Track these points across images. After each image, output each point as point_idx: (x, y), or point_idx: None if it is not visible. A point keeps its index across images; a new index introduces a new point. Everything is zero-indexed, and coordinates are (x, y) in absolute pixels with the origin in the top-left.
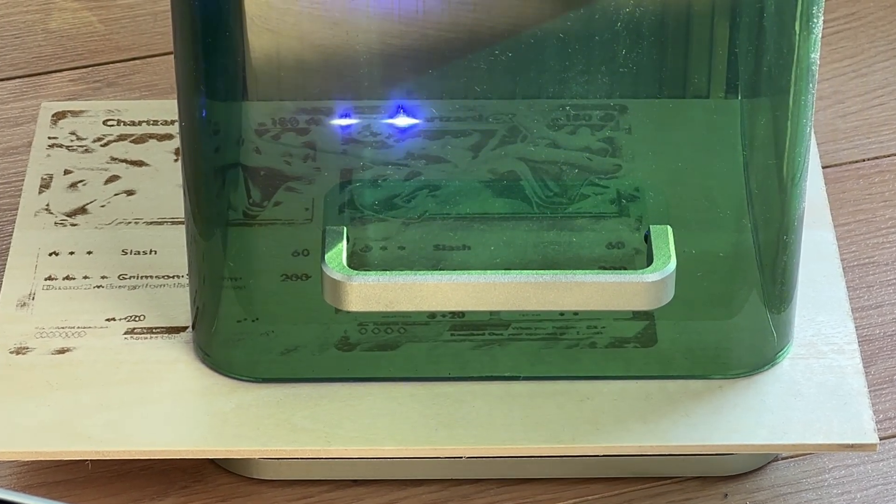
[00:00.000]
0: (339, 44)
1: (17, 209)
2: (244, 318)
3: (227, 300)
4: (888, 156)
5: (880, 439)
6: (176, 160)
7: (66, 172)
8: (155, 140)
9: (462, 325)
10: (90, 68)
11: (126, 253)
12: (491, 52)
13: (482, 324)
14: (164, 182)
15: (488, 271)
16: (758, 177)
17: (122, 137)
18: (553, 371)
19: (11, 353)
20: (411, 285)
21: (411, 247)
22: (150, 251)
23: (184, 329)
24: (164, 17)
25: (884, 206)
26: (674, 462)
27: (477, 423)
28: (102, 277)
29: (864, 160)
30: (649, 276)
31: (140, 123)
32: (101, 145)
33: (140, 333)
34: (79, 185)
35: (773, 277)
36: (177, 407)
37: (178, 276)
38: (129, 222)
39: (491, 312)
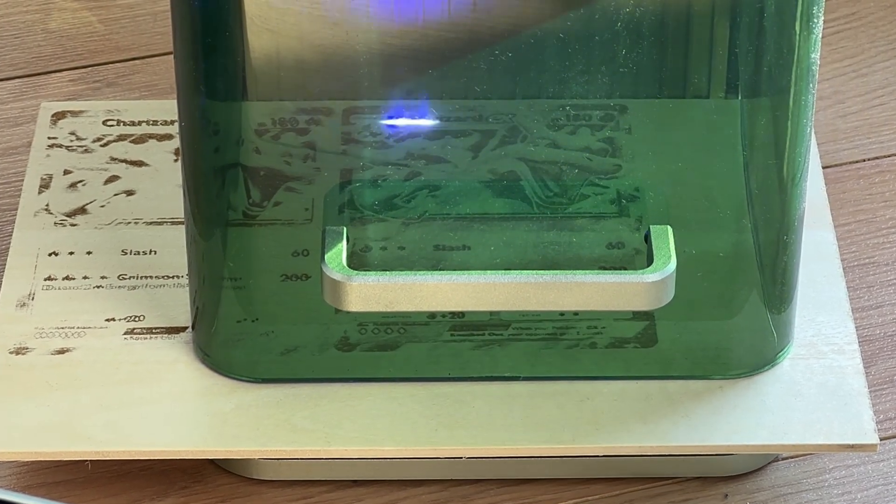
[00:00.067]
0: (339, 44)
1: (16, 209)
2: (244, 318)
3: (226, 300)
4: (888, 156)
5: (881, 440)
6: (176, 160)
7: (66, 172)
8: (155, 140)
9: (462, 325)
10: (90, 68)
11: (126, 253)
12: (491, 52)
13: (482, 324)
14: (163, 182)
15: (488, 271)
16: (758, 177)
17: (121, 137)
18: (553, 371)
19: (11, 353)
20: (411, 285)
21: (411, 247)
22: (150, 251)
23: (183, 329)
24: (163, 17)
25: (884, 207)
26: (674, 462)
27: (477, 423)
28: (102, 277)
29: (864, 160)
30: (649, 276)
31: (140, 123)
32: (101, 145)
33: (140, 334)
34: (78, 185)
35: (773, 278)
36: (176, 407)
37: (177, 277)
38: (129, 222)
39: (491, 313)
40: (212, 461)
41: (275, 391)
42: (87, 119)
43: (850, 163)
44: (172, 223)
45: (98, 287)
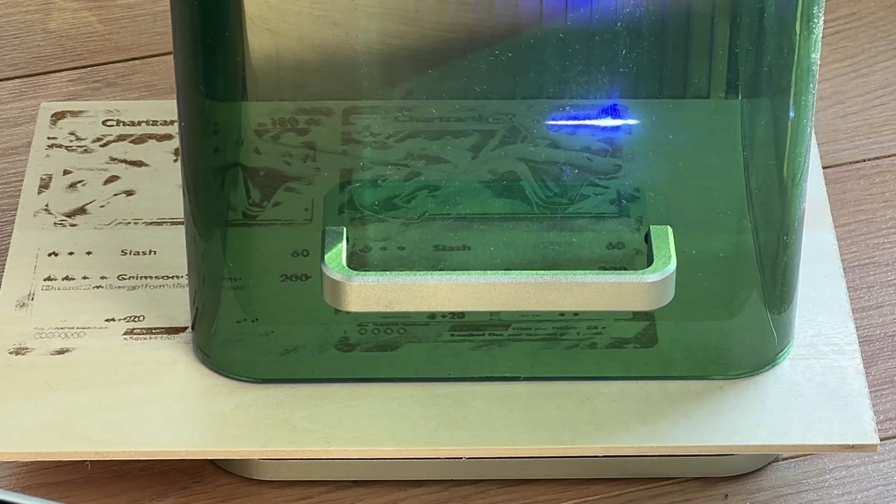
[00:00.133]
0: (339, 44)
1: (16, 209)
2: (244, 318)
3: (226, 300)
4: (889, 156)
5: (881, 440)
6: (175, 160)
7: (66, 173)
8: (154, 140)
9: (462, 325)
10: (89, 68)
11: (125, 253)
12: (491, 52)
13: (482, 324)
14: (163, 182)
15: (488, 272)
16: (758, 177)
17: (121, 138)
18: (553, 371)
19: (11, 353)
20: (411, 286)
21: (411, 247)
22: (150, 251)
23: (183, 329)
24: (163, 17)
25: (884, 207)
26: (674, 463)
27: (477, 423)
28: (102, 278)
29: (864, 160)
30: (649, 276)
31: (139, 123)
32: (101, 145)
33: (139, 334)
34: (78, 185)
35: (773, 278)
36: (176, 407)
37: (177, 277)
38: (129, 223)
39: (491, 313)
40: (212, 461)
41: (275, 391)
42: (87, 119)
43: (851, 163)
44: (172, 223)
45: (98, 287)
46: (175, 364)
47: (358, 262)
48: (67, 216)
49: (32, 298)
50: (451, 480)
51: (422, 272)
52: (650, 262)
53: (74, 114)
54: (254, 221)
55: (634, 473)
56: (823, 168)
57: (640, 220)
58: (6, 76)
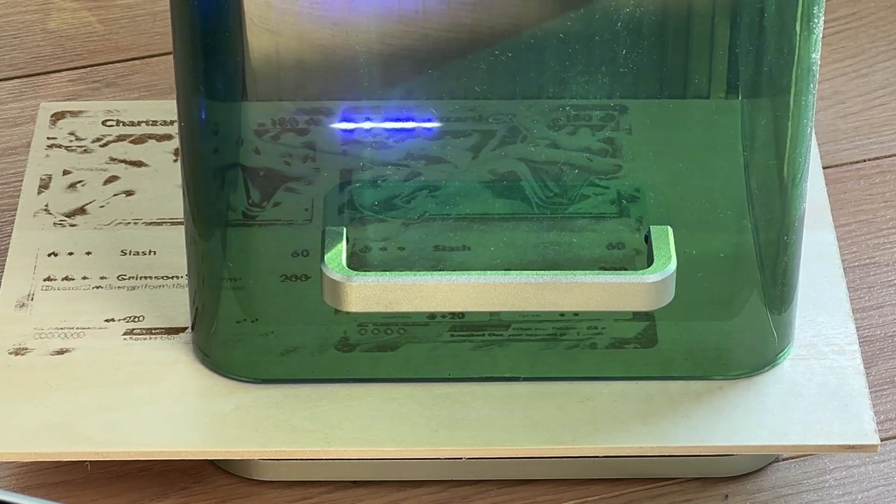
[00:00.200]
0: (339, 44)
1: (16, 209)
2: (243, 318)
3: (226, 301)
4: (889, 156)
5: (881, 440)
6: (175, 160)
7: (65, 173)
8: (154, 140)
9: (462, 325)
10: (89, 68)
11: (125, 253)
12: (491, 52)
13: (482, 324)
14: (163, 182)
15: (488, 272)
16: (758, 177)
17: (121, 138)
18: (553, 372)
19: (10, 353)
20: (411, 286)
21: (411, 247)
22: (150, 252)
23: (183, 330)
24: (163, 17)
25: (885, 207)
26: (674, 463)
27: (477, 423)
28: (101, 278)
29: (864, 160)
30: (650, 276)
31: (139, 124)
32: (101, 146)
33: (139, 334)
34: (78, 185)
35: (773, 278)
36: (176, 408)
37: (177, 277)
38: (129, 223)
39: (491, 313)
40: (211, 462)
41: (274, 392)
42: (87, 119)
43: (851, 163)
44: (172, 223)
45: (97, 287)
46: (175, 364)
47: (358, 262)
48: (67, 216)
49: (32, 299)
50: (451, 481)
51: (422, 272)
52: (650, 262)
53: (74, 114)
54: (254, 222)
55: (635, 474)
56: (824, 168)
57: (640, 220)
58: (6, 76)
